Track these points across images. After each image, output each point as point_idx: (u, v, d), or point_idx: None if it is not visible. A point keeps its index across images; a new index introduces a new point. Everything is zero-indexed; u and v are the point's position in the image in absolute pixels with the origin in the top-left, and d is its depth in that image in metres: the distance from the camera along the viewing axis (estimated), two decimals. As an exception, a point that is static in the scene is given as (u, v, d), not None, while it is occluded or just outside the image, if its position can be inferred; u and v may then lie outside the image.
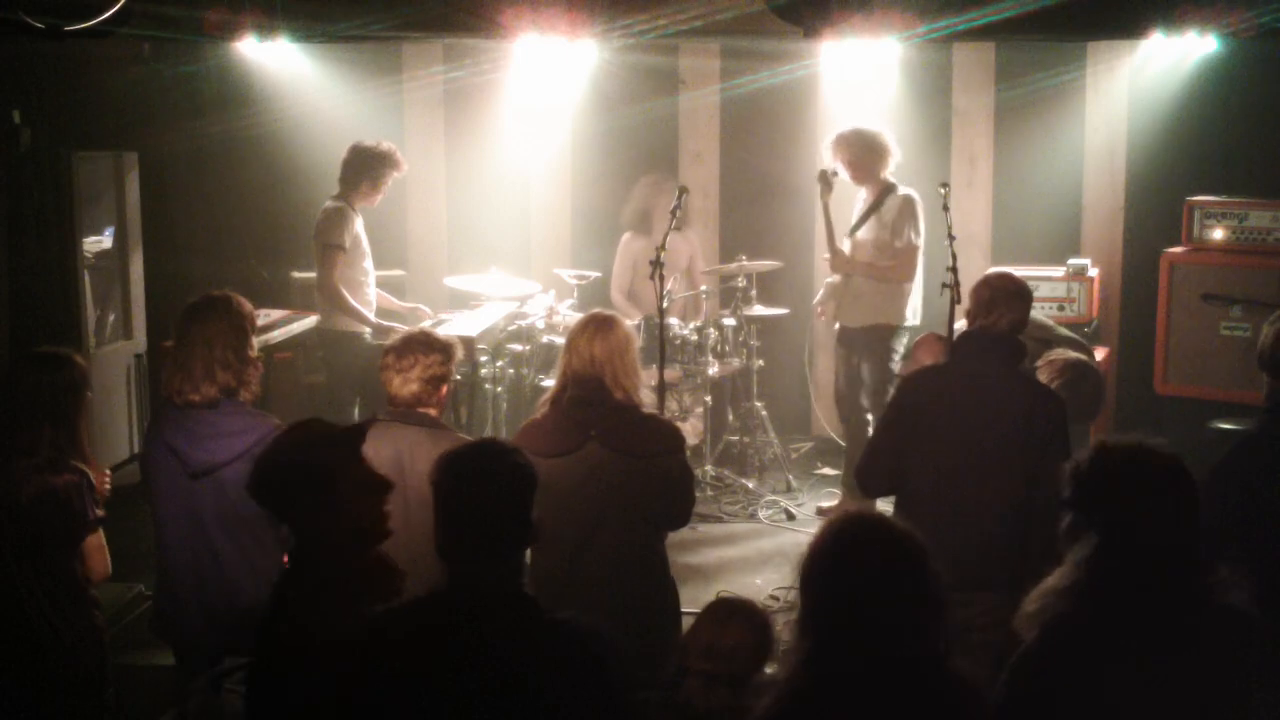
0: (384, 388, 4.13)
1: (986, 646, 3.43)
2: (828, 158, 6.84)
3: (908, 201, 6.72)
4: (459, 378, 7.10)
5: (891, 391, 5.16)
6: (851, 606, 2.50)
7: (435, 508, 2.87)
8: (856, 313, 6.80)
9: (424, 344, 4.10)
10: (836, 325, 7.00)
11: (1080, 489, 2.82)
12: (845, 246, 6.85)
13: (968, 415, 4.24)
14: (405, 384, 4.06)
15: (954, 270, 5.56)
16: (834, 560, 2.54)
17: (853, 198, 6.96)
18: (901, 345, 6.70)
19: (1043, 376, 4.95)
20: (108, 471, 4.39)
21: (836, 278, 6.94)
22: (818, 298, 7.28)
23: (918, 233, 6.71)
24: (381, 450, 4.01)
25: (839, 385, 7.01)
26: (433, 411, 4.10)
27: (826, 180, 6.84)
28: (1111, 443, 2.85)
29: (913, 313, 6.78)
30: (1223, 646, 2.71)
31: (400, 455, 3.96)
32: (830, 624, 2.52)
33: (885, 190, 6.76)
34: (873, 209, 6.77)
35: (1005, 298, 4.37)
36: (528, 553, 2.97)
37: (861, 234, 6.81)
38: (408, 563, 3.91)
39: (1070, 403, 4.56)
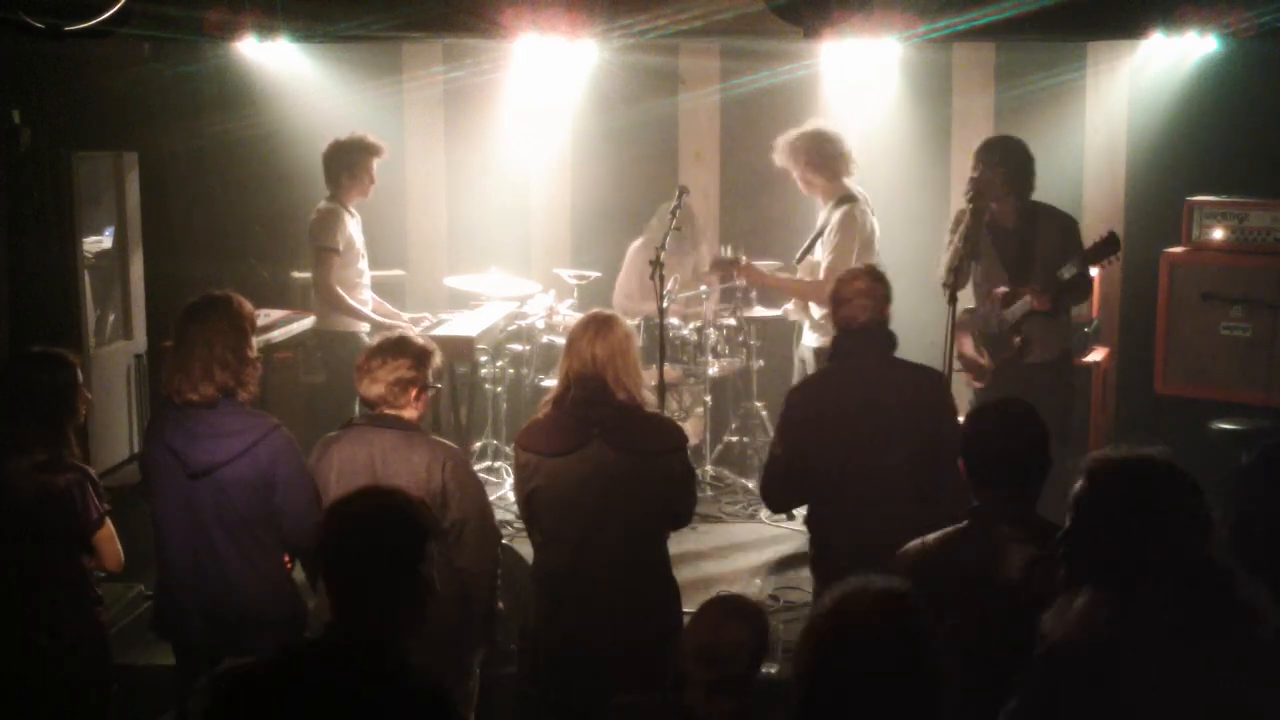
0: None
1: None
2: (779, 159, 6.52)
3: (847, 215, 6.33)
4: (459, 375, 7.14)
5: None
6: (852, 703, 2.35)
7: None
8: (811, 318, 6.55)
9: (396, 347, 4.10)
10: (789, 305, 6.82)
11: (1082, 516, 2.77)
12: (799, 272, 6.60)
13: (856, 410, 4.33)
14: (372, 384, 4.07)
15: (954, 270, 5.57)
16: (838, 656, 2.38)
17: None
18: None
19: None
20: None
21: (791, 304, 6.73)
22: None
23: (864, 247, 6.31)
24: (355, 454, 4.02)
25: None
26: (408, 414, 4.09)
27: (723, 267, 6.69)
28: (1105, 461, 2.80)
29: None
30: (1245, 645, 2.67)
31: (373, 459, 3.98)
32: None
33: (837, 204, 6.39)
34: (821, 228, 6.46)
35: (852, 294, 4.45)
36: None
37: (817, 255, 6.48)
38: None
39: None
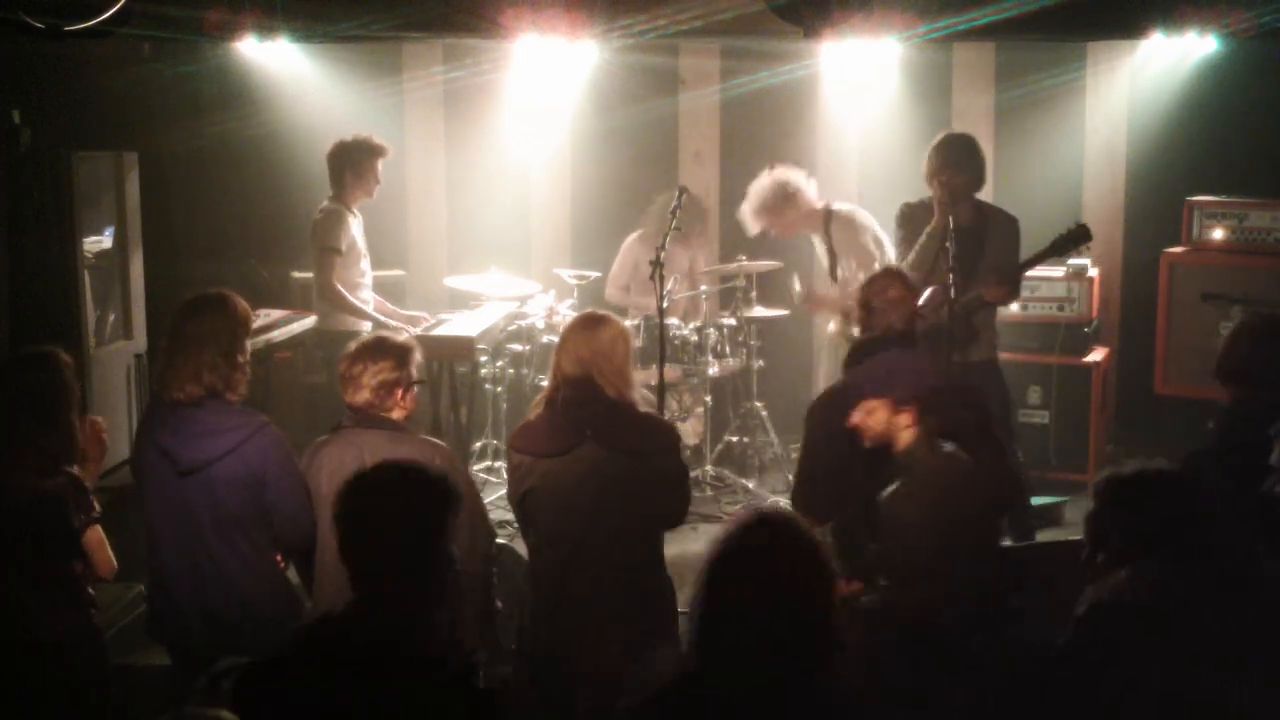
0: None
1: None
2: (747, 224, 6.72)
3: (846, 221, 6.52)
4: (459, 375, 7.14)
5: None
6: (748, 612, 2.48)
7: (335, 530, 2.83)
8: None
9: (375, 350, 4.08)
10: (832, 326, 6.82)
11: (1099, 534, 3.18)
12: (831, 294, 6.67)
13: None
14: (357, 392, 4.06)
15: (954, 270, 5.59)
16: (741, 564, 2.53)
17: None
18: None
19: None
20: (102, 424, 4.34)
21: (831, 326, 6.75)
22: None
23: (877, 243, 6.52)
24: (344, 456, 4.01)
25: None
26: (395, 415, 4.09)
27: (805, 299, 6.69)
28: (1115, 479, 3.19)
29: None
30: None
31: (361, 460, 3.96)
32: (722, 625, 2.51)
33: (827, 221, 6.59)
34: (831, 248, 6.60)
35: (885, 304, 4.47)
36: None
37: (843, 271, 6.61)
38: None
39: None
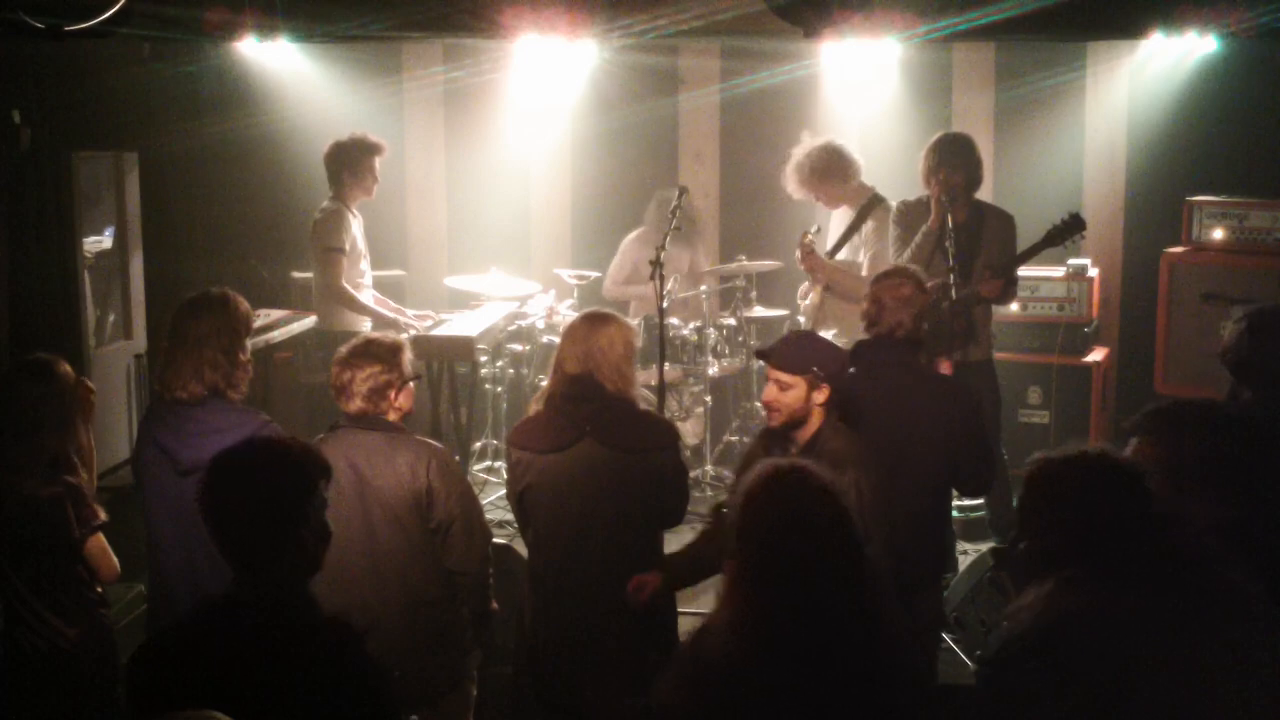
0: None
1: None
2: (790, 188, 6.66)
3: (881, 220, 6.45)
4: (459, 375, 7.14)
5: None
6: (800, 562, 2.60)
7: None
8: (846, 325, 6.46)
9: (362, 354, 4.05)
10: (808, 300, 6.76)
11: (1027, 518, 2.82)
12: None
13: (888, 420, 4.24)
14: (350, 400, 4.04)
15: (954, 270, 5.61)
16: (776, 516, 2.65)
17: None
18: None
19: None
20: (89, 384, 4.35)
21: (810, 298, 6.69)
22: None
23: (875, 255, 6.42)
24: (339, 458, 4.01)
25: None
26: (391, 416, 4.07)
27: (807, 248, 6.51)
28: (1044, 461, 2.83)
29: None
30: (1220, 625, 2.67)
31: (357, 462, 3.96)
32: (774, 578, 2.62)
33: (869, 206, 6.53)
34: (853, 228, 6.55)
35: (895, 303, 4.40)
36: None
37: (845, 254, 6.59)
38: (368, 569, 3.92)
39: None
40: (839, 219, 6.74)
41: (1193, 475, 2.99)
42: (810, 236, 6.49)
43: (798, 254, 6.50)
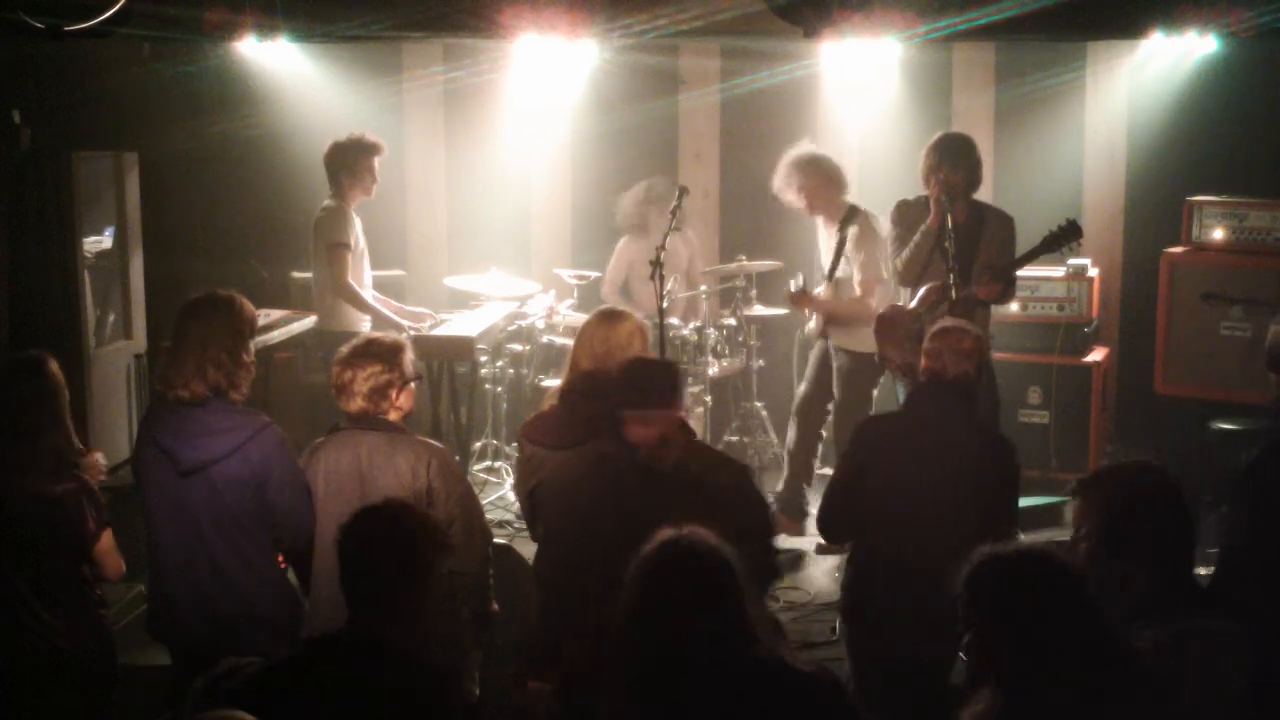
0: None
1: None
2: (778, 183, 6.62)
3: (863, 226, 6.47)
4: (459, 375, 7.14)
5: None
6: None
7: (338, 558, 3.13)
8: (848, 337, 6.54)
9: (363, 354, 4.05)
10: (811, 325, 6.79)
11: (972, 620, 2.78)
12: (822, 292, 6.63)
13: (927, 466, 4.18)
14: (351, 400, 4.04)
15: (953, 271, 5.61)
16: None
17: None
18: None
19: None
20: (103, 462, 4.37)
21: (813, 322, 6.70)
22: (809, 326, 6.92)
23: (884, 258, 6.39)
24: (341, 459, 4.01)
25: (808, 391, 6.79)
26: (393, 416, 4.07)
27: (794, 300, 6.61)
28: (985, 564, 2.78)
29: None
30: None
31: (359, 463, 3.97)
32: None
33: (847, 218, 6.52)
34: (840, 245, 6.54)
35: (954, 355, 4.31)
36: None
37: (841, 273, 6.57)
38: None
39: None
40: (824, 241, 6.74)
41: (1121, 538, 2.99)
42: (793, 289, 6.60)
43: (789, 305, 6.67)
